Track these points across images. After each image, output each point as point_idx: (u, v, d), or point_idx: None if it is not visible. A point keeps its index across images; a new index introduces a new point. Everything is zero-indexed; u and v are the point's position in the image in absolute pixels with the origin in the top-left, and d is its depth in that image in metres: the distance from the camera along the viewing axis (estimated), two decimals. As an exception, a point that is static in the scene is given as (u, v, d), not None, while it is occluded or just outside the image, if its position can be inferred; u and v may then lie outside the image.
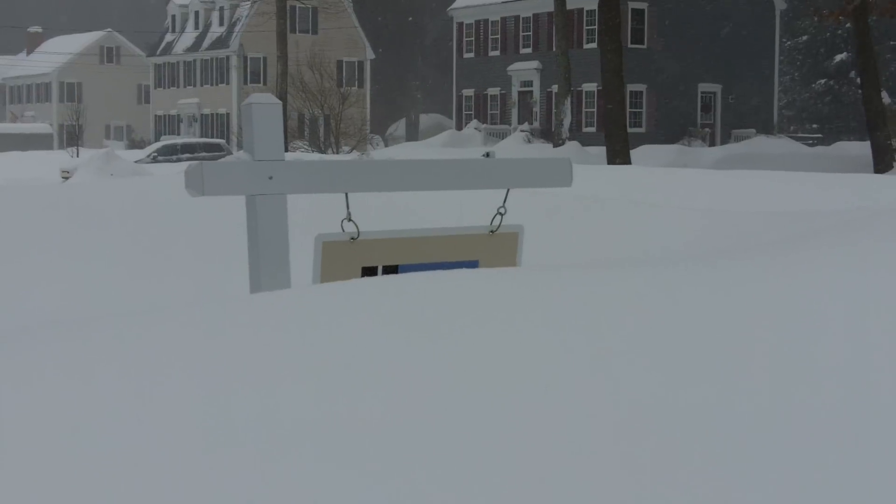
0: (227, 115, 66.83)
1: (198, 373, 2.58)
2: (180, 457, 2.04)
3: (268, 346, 2.84)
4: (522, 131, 50.19)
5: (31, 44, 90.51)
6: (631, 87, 46.67)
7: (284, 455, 2.04)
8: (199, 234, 8.23)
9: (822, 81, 58.97)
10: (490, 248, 4.66)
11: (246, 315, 3.26)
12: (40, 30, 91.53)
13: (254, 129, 4.54)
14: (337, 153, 45.62)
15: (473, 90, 57.05)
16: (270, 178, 4.48)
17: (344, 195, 4.50)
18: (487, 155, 29.51)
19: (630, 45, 47.79)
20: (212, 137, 59.10)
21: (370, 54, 70.33)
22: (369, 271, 4.48)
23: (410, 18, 77.90)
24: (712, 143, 50.68)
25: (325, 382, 2.49)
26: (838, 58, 57.67)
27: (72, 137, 57.35)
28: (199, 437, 2.13)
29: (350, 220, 4.43)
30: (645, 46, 50.34)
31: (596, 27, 43.61)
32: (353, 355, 2.70)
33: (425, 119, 75.50)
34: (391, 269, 4.50)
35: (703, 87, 52.45)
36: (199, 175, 4.38)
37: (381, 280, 3.89)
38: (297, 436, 2.14)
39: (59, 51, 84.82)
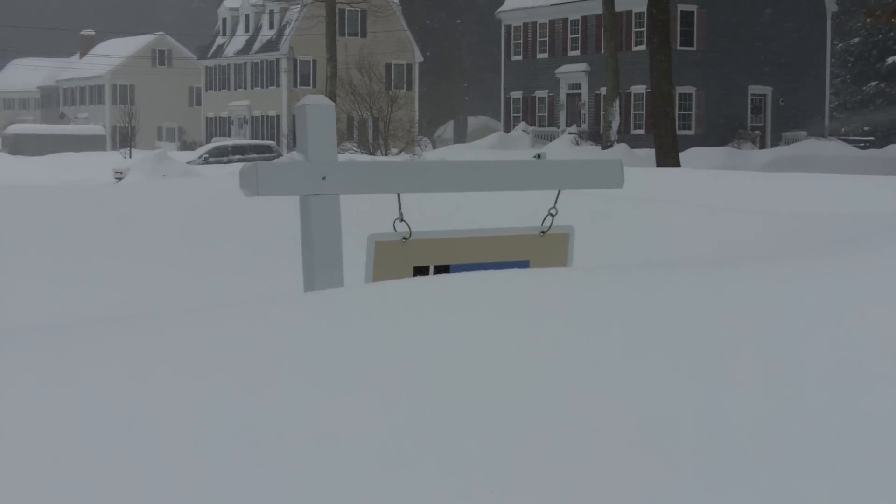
0: (277, 117, 67.22)
1: (254, 370, 2.62)
2: (234, 453, 2.07)
3: (322, 343, 2.87)
4: (570, 133, 50.07)
5: (84, 46, 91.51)
6: (680, 90, 46.43)
7: (343, 455, 2.06)
8: (252, 234, 8.31)
9: (874, 84, 58.38)
10: (541, 249, 4.68)
11: (300, 313, 3.30)
12: (93, 33, 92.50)
13: (307, 131, 4.58)
14: (385, 155, 45.75)
15: (521, 92, 56.99)
16: (324, 178, 4.52)
17: (396, 195, 4.54)
18: (539, 156, 29.48)
19: (679, 48, 47.54)
20: (262, 139, 59.50)
21: (418, 57, 70.46)
22: (421, 271, 4.51)
23: (458, 21, 77.93)
24: (762, 146, 50.30)
25: (376, 380, 2.52)
26: (890, 60, 57.08)
27: (124, 139, 57.93)
28: (252, 435, 2.15)
29: (402, 220, 4.47)
30: (694, 48, 50.05)
31: (645, 29, 43.43)
32: (404, 353, 2.72)
33: (473, 121, 75.50)
34: (442, 269, 4.53)
35: (754, 89, 52.06)
36: (253, 175, 4.43)
37: (432, 279, 3.91)
38: (349, 434, 2.16)
39: (112, 53, 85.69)
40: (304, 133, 4.60)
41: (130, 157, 44.14)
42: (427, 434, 2.15)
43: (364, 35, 67.10)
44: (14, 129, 66.47)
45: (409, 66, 69.97)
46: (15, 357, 2.89)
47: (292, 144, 56.48)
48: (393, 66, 67.79)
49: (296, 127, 4.78)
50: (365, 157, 37.19)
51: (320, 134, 4.59)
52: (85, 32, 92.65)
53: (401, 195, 4.53)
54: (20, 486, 1.90)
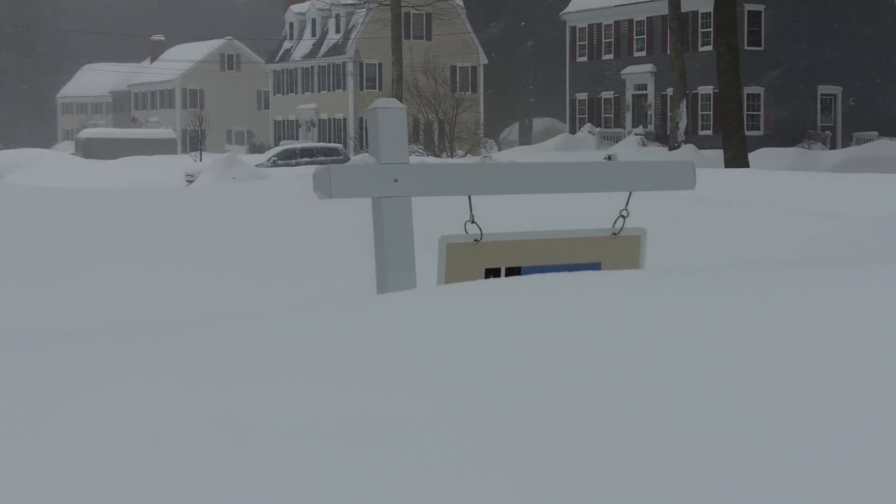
0: (344, 119, 67.62)
1: (335, 373, 2.65)
2: (313, 454, 2.10)
3: (399, 345, 2.90)
4: (637, 135, 49.83)
5: (155, 52, 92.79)
6: (748, 90, 45.96)
7: (417, 457, 2.08)
8: (322, 236, 8.37)
9: (948, 82, 57.32)
10: (613, 251, 4.68)
11: (376, 315, 3.33)
12: (163, 38, 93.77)
13: (379, 133, 4.62)
14: (451, 157, 45.83)
15: (587, 94, 56.79)
16: (396, 180, 4.56)
17: (467, 197, 4.56)
18: (609, 158, 29.38)
19: (746, 48, 47.10)
20: (329, 142, 59.88)
21: (483, 59, 70.49)
22: (492, 273, 4.53)
23: (523, 23, 77.84)
24: (832, 146, 49.67)
25: (448, 383, 2.53)
26: (965, 58, 56.03)
27: (195, 142, 58.59)
28: (332, 438, 2.18)
29: (473, 221, 4.49)
30: (762, 48, 49.56)
31: (711, 29, 43.06)
32: (478, 355, 2.74)
33: (538, 123, 75.35)
34: (514, 271, 4.55)
35: (823, 88, 51.43)
36: (326, 178, 4.48)
37: (504, 282, 3.93)
38: (425, 438, 2.17)
39: (182, 58, 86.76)
40: (375, 136, 4.64)
41: (201, 160, 44.62)
42: (505, 437, 2.16)
43: (429, 38, 67.26)
44: (87, 133, 67.52)
45: (474, 69, 70.02)
46: (118, 355, 2.95)
47: (359, 147, 56.79)
48: (458, 69, 67.90)
49: (367, 130, 4.81)
50: (431, 160, 37.29)
51: (392, 136, 4.63)
52: (155, 38, 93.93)
53: (472, 197, 4.55)
54: (130, 486, 1.94)
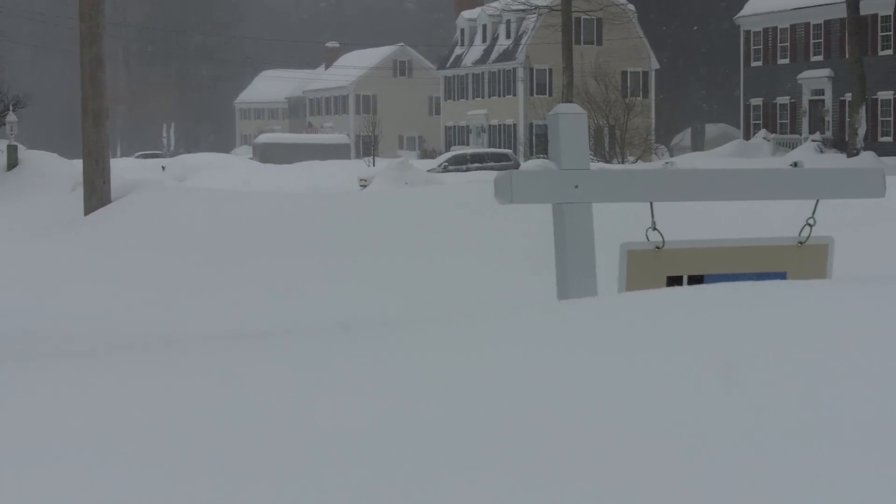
0: (514, 125, 67.75)
1: (522, 381, 2.67)
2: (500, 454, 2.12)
3: (582, 354, 2.90)
4: (814, 141, 48.54)
5: (329, 58, 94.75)
6: (933, 95, 44.31)
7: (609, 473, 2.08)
8: (498, 242, 8.42)
9: None
10: (799, 260, 4.57)
11: (560, 321, 3.34)
12: (337, 45, 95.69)
13: (560, 139, 4.62)
14: (622, 163, 45.47)
15: (762, 99, 55.60)
16: (576, 186, 4.56)
17: (649, 204, 4.52)
18: (795, 165, 28.68)
19: (933, 51, 45.42)
20: (499, 147, 60.07)
21: (654, 64, 69.69)
22: (674, 281, 4.48)
23: (695, 27, 76.65)
24: None
25: (639, 391, 2.52)
26: None
27: (367, 147, 59.56)
28: (521, 447, 2.19)
29: (655, 228, 4.45)
30: (948, 51, 47.73)
31: (892, 33, 41.67)
32: (659, 365, 2.72)
33: (711, 129, 74.09)
34: (696, 279, 4.49)
35: None
36: (507, 184, 4.51)
37: (687, 290, 3.89)
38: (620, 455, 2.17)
39: (355, 65, 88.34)
40: (556, 141, 4.64)
41: (374, 165, 45.34)
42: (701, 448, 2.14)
43: (600, 43, 66.84)
44: (264, 138, 69.29)
45: (646, 74, 69.28)
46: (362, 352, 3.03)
47: (529, 153, 56.82)
48: (629, 74, 67.27)
49: (548, 135, 4.82)
50: (603, 165, 37.05)
51: (573, 142, 4.63)
52: (330, 45, 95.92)
53: (653, 204, 4.51)
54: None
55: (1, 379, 3.08)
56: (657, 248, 4.46)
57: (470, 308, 5.81)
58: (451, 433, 2.18)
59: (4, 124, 26.46)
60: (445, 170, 43.06)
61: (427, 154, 70.78)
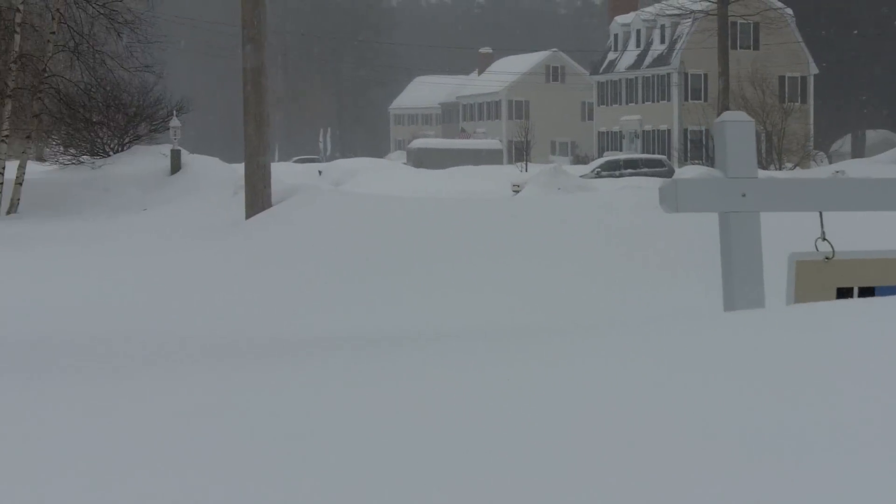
0: (668, 131, 66.98)
1: (695, 387, 2.65)
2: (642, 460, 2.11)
3: (750, 365, 2.87)
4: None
5: (482, 64, 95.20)
6: None
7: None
8: (657, 249, 8.35)
9: None
10: (976, 272, 4.43)
11: (729, 333, 3.30)
12: (490, 50, 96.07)
13: (727, 147, 4.57)
14: (779, 170, 44.53)
15: (928, 104, 53.82)
16: (744, 195, 4.50)
17: (818, 214, 4.44)
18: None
19: None
20: (653, 153, 59.46)
21: (813, 69, 68.06)
22: (844, 292, 4.39)
23: (855, 31, 74.60)
24: None
25: (807, 403, 2.48)
26: None
27: (520, 153, 59.60)
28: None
29: (824, 238, 4.37)
30: None
31: None
32: (829, 381, 2.66)
33: (872, 135, 72.02)
34: (867, 291, 4.39)
35: None
36: (673, 192, 4.48)
37: (860, 303, 3.80)
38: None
39: (508, 70, 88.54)
40: (722, 149, 4.59)
41: (526, 170, 45.34)
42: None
43: (756, 47, 65.58)
44: (417, 143, 69.99)
45: (804, 79, 67.73)
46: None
47: (683, 159, 56.09)
48: (787, 79, 65.86)
49: (714, 143, 4.77)
50: (774, 173, 36.34)
51: (740, 150, 4.57)
52: (483, 50, 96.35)
53: (823, 213, 4.43)
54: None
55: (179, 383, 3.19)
56: (826, 258, 4.37)
57: (640, 316, 5.78)
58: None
59: (168, 129, 27.29)
60: (598, 175, 42.82)
61: (579, 159, 70.49)
